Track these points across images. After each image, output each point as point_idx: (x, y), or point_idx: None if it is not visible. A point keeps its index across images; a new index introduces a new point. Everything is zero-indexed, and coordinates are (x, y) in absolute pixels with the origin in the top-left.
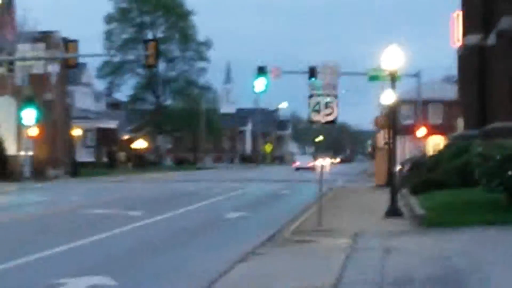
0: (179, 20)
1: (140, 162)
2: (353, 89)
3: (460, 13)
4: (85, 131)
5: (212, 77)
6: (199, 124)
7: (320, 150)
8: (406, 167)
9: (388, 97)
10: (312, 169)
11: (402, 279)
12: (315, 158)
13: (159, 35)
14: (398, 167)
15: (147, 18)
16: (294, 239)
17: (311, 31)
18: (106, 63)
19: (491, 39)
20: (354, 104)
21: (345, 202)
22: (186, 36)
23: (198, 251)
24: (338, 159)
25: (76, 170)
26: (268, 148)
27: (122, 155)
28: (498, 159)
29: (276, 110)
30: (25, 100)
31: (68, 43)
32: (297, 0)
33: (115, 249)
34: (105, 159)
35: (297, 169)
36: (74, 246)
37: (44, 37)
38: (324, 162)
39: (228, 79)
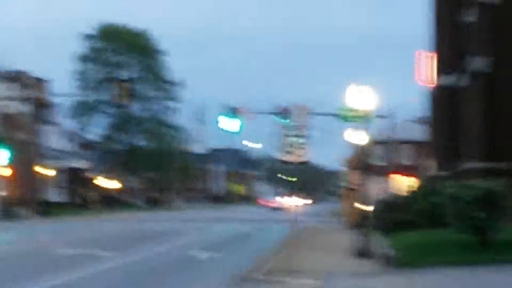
0: (152, 60)
1: (111, 202)
2: (323, 130)
3: (427, 53)
4: (57, 170)
5: (185, 117)
6: (171, 164)
7: (295, 190)
8: (378, 208)
9: (360, 137)
10: (280, 209)
11: None
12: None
13: (133, 75)
14: (370, 208)
15: (120, 58)
16: (264, 280)
17: (280, 70)
18: (79, 103)
19: (464, 80)
20: (322, 144)
21: (316, 242)
22: (159, 77)
23: None
24: (309, 200)
25: (47, 209)
26: (239, 188)
27: (93, 195)
28: (469, 200)
29: (248, 150)
30: None
31: (41, 83)
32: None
33: None
34: (76, 199)
35: (267, 207)
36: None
37: (18, 77)
38: (296, 202)
39: (200, 118)
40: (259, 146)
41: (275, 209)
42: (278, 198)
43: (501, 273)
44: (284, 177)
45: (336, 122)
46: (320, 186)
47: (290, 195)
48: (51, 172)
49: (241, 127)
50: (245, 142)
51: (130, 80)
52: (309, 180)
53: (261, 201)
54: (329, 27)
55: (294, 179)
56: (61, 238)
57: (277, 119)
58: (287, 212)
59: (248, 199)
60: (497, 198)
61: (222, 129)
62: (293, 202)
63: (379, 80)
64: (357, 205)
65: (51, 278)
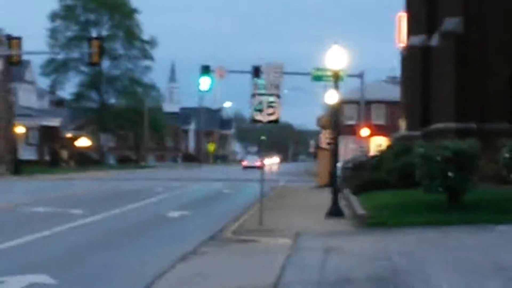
0: (124, 18)
1: (83, 160)
2: (297, 89)
3: (404, 14)
4: (28, 129)
5: (156, 75)
6: (143, 122)
7: (264, 149)
8: (349, 167)
9: (331, 97)
10: (260, 168)
11: (342, 279)
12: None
13: (104, 33)
14: (340, 167)
15: (91, 16)
16: (235, 239)
17: (255, 30)
18: (50, 61)
19: (434, 40)
20: (298, 104)
21: (287, 202)
22: (130, 35)
23: (139, 250)
24: (277, 159)
25: (18, 168)
26: (211, 147)
27: (64, 153)
28: (439, 160)
29: (220, 109)
30: None
31: (12, 40)
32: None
33: (54, 248)
34: (47, 158)
35: (245, 167)
36: (13, 244)
37: None
38: (271, 162)
39: (172, 78)
40: (229, 104)
41: (254, 167)
42: (255, 157)
43: (471, 233)
44: (255, 136)
45: (310, 82)
46: (294, 145)
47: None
48: (22, 130)
49: (211, 85)
50: (216, 102)
51: (101, 37)
52: (281, 139)
53: (244, 163)
54: None
55: (265, 138)
56: (32, 196)
57: (253, 79)
58: (261, 171)
59: (220, 158)
60: (467, 158)
61: (198, 89)
62: (267, 161)
63: (354, 41)
64: (328, 164)
65: (21, 235)
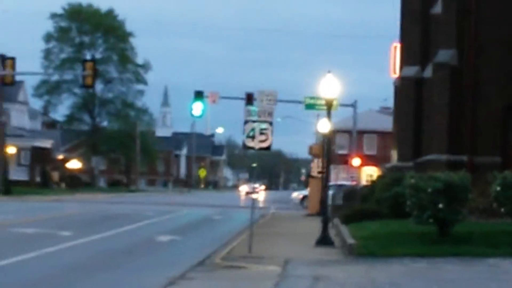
0: (119, 41)
1: (74, 182)
2: (289, 117)
3: (398, 44)
4: (20, 149)
5: (149, 99)
6: (134, 146)
7: (255, 176)
8: (339, 196)
9: (324, 126)
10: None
11: None
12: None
13: (98, 55)
14: (331, 196)
15: (86, 38)
16: (224, 265)
17: (249, 56)
18: (43, 82)
19: (428, 72)
20: (290, 132)
21: (276, 229)
22: (124, 58)
23: (127, 273)
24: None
25: (8, 188)
26: (202, 173)
27: (55, 175)
28: (430, 191)
29: (212, 135)
30: None
31: (6, 60)
32: (236, 25)
33: (42, 269)
34: (38, 179)
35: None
36: (1, 264)
37: None
38: (260, 188)
39: (165, 102)
40: (221, 130)
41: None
42: (255, 185)
43: (459, 265)
44: (246, 163)
45: (303, 110)
46: (286, 173)
47: (252, 181)
48: (14, 150)
49: (204, 111)
50: (208, 128)
51: (95, 60)
52: (272, 167)
53: (243, 188)
54: (303, 16)
55: (256, 165)
56: (22, 217)
57: (247, 106)
58: (252, 198)
59: (211, 184)
60: (458, 190)
61: (191, 114)
62: (257, 188)
63: (348, 70)
64: (319, 193)
65: (10, 255)
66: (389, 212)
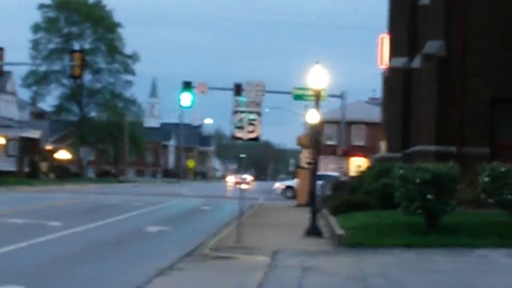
0: (107, 32)
1: (62, 173)
2: (278, 107)
3: (387, 36)
4: (8, 140)
5: (138, 90)
6: (123, 137)
7: (243, 167)
8: (328, 187)
9: (312, 116)
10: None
11: None
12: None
13: (86, 46)
14: (319, 187)
15: (74, 29)
16: (213, 255)
17: (238, 47)
18: (31, 72)
19: (416, 62)
20: (279, 123)
21: (265, 220)
22: (113, 48)
23: (116, 264)
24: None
25: None
26: (191, 163)
27: (44, 166)
28: (418, 182)
29: (200, 125)
30: None
31: None
32: (225, 15)
33: (32, 259)
34: (27, 169)
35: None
36: None
37: None
38: (248, 179)
39: (153, 93)
40: (209, 121)
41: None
42: (244, 176)
43: (448, 256)
44: (234, 153)
45: (292, 101)
46: (274, 164)
47: (241, 172)
48: (2, 141)
49: (192, 101)
50: (196, 118)
51: (84, 51)
52: (261, 157)
53: (230, 179)
54: (292, 7)
55: (243, 156)
56: (10, 207)
57: (235, 96)
58: (240, 189)
59: (199, 174)
60: (446, 181)
61: (179, 104)
62: (245, 179)
63: (337, 61)
64: (307, 184)
65: (0, 245)
66: (377, 202)
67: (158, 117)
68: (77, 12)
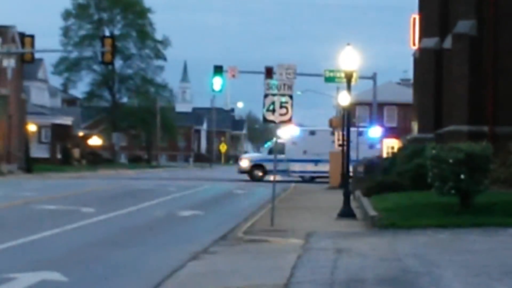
0: (137, 17)
1: (95, 159)
2: (310, 91)
3: (418, 16)
4: (40, 127)
5: (169, 75)
6: (155, 122)
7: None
8: (361, 169)
9: (344, 98)
10: None
11: (353, 279)
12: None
13: (117, 32)
14: (352, 169)
15: (104, 15)
16: (246, 239)
17: (269, 31)
18: (62, 59)
19: (447, 43)
20: (310, 105)
21: (298, 203)
22: (143, 34)
23: (151, 249)
24: None
25: (30, 166)
26: (223, 147)
27: (76, 152)
28: (451, 162)
29: (232, 109)
30: None
31: (25, 38)
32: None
33: (65, 246)
34: (59, 156)
35: None
36: (26, 241)
37: (0, 32)
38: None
39: (184, 77)
40: (241, 105)
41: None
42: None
43: (481, 236)
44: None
45: (323, 83)
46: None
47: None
48: (34, 128)
49: (222, 85)
50: (228, 102)
51: (114, 36)
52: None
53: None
54: None
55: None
56: (44, 194)
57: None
58: (273, 172)
59: (232, 158)
60: (479, 160)
61: (212, 89)
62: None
63: (368, 42)
64: (340, 166)
65: (34, 232)
66: (410, 183)
67: (190, 101)
68: None
